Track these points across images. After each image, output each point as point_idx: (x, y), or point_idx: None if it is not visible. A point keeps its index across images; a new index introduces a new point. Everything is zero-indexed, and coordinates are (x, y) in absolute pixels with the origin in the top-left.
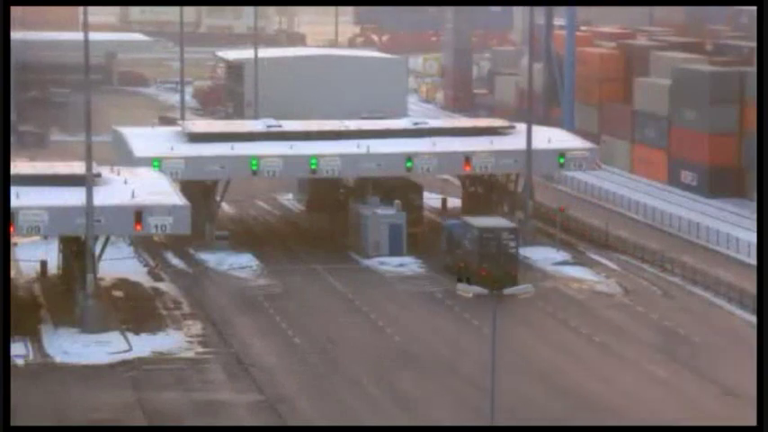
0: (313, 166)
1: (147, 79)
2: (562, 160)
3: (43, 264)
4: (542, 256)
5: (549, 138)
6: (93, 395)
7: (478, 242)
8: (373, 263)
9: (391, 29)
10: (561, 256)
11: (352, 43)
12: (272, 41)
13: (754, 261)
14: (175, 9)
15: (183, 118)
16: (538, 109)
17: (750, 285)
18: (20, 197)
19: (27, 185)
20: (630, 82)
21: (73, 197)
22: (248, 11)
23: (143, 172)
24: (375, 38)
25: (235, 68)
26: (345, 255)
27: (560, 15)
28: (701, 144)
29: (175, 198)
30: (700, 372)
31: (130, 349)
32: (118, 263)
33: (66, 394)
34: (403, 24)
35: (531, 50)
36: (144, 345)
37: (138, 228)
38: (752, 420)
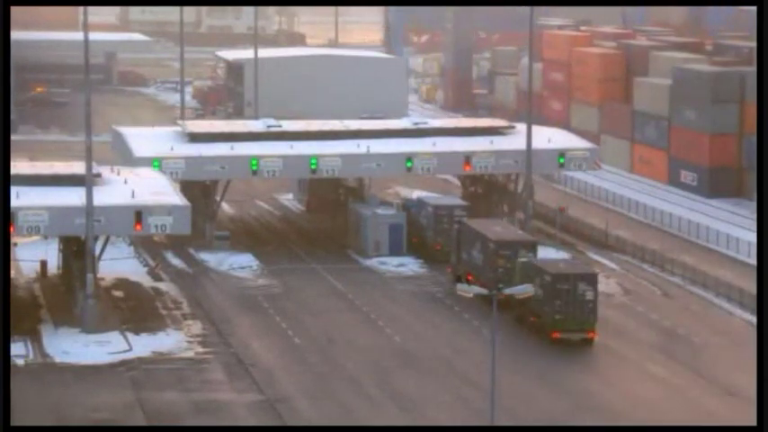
0: (313, 166)
1: (147, 79)
2: (562, 160)
3: (43, 264)
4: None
5: (549, 138)
6: (93, 395)
7: (433, 218)
8: (373, 263)
9: (430, 28)
10: (561, 256)
11: (386, 43)
12: (272, 41)
13: (754, 261)
14: (175, 9)
15: (182, 118)
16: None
17: (750, 285)
18: (20, 197)
19: (27, 185)
20: (630, 82)
21: (73, 197)
22: (248, 11)
23: (143, 172)
24: (414, 38)
25: (235, 68)
26: (345, 255)
27: (558, 15)
28: (701, 144)
29: (175, 198)
30: (700, 372)
31: (130, 349)
32: (118, 263)
33: (66, 394)
34: (443, 24)
35: (531, 50)
36: (144, 345)
37: (138, 228)
38: (752, 420)
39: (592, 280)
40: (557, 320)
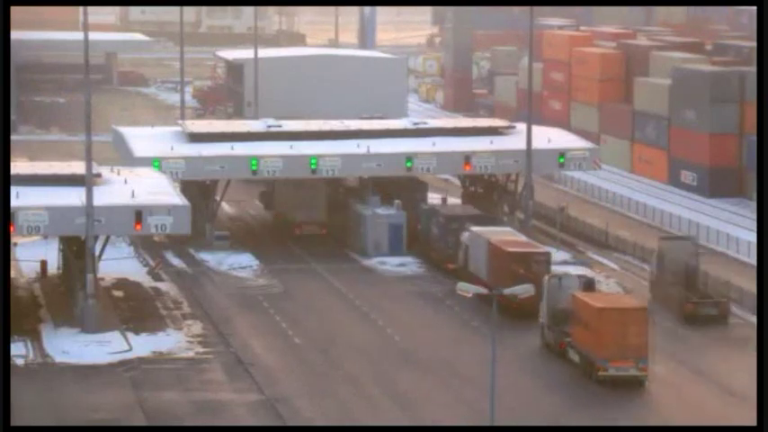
0: (313, 166)
1: (147, 79)
2: (562, 160)
3: (43, 264)
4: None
5: (549, 138)
6: (93, 395)
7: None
8: (373, 263)
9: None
10: (561, 255)
11: (430, 43)
12: (272, 41)
13: (754, 261)
14: (175, 9)
15: (182, 118)
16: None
17: (750, 285)
18: (20, 197)
19: (27, 185)
20: (630, 82)
21: (73, 197)
22: (248, 11)
23: (143, 172)
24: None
25: (235, 68)
26: (345, 255)
27: (556, 15)
28: (701, 144)
29: (175, 198)
30: (700, 372)
31: (130, 349)
32: (118, 263)
33: (66, 394)
34: (490, 23)
35: (531, 50)
36: (144, 345)
37: (138, 228)
38: (752, 420)
39: (481, 221)
40: (450, 255)
